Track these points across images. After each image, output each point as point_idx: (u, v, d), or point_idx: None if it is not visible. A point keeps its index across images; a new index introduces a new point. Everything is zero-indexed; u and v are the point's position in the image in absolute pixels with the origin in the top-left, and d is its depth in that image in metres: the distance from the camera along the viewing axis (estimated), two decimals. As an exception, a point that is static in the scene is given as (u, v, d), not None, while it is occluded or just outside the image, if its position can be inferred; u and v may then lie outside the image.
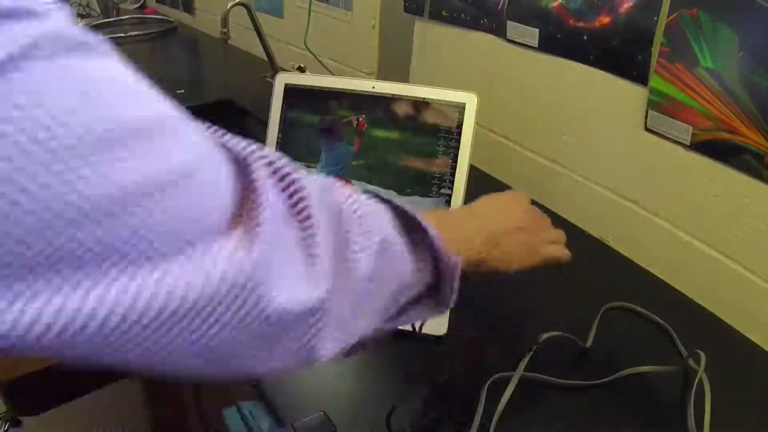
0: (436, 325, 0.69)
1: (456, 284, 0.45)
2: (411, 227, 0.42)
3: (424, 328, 0.68)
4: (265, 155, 0.33)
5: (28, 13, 0.22)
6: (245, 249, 0.28)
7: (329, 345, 0.36)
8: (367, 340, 0.42)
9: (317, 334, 0.34)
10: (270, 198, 0.31)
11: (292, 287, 0.31)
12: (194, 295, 0.27)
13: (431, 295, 0.46)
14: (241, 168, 0.31)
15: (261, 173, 0.31)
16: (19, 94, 0.21)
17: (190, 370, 0.31)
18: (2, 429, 1.31)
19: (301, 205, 0.33)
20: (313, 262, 0.33)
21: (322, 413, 0.57)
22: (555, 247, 0.58)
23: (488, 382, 0.62)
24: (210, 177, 0.29)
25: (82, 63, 0.24)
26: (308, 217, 0.33)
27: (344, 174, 0.83)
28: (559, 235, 0.60)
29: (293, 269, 0.32)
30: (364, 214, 0.37)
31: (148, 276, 0.25)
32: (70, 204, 0.23)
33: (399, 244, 0.40)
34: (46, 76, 0.22)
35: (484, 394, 0.61)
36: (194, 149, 0.28)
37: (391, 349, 0.68)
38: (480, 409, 0.59)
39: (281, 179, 0.33)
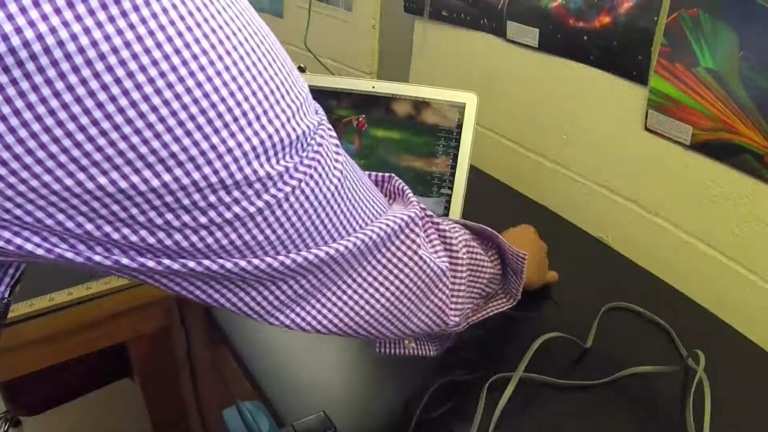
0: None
1: (522, 273, 0.60)
2: (478, 235, 0.57)
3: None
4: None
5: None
6: (402, 210, 0.43)
7: (454, 312, 0.49)
8: (453, 333, 0.55)
9: (449, 297, 0.48)
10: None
11: (430, 254, 0.45)
12: (376, 237, 0.40)
13: (502, 288, 0.63)
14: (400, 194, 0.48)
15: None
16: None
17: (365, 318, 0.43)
18: (2, 429, 1.31)
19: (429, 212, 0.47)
20: (436, 249, 0.47)
21: (322, 413, 0.57)
22: (551, 273, 0.78)
23: (488, 382, 0.62)
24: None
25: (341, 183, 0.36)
26: (431, 216, 0.47)
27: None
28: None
29: (428, 246, 0.46)
30: (452, 229, 0.50)
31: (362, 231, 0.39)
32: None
33: (477, 245, 0.54)
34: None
35: (484, 394, 0.61)
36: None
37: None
38: (480, 409, 0.59)
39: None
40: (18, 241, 0.27)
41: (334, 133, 0.36)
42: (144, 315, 0.81)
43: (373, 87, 0.83)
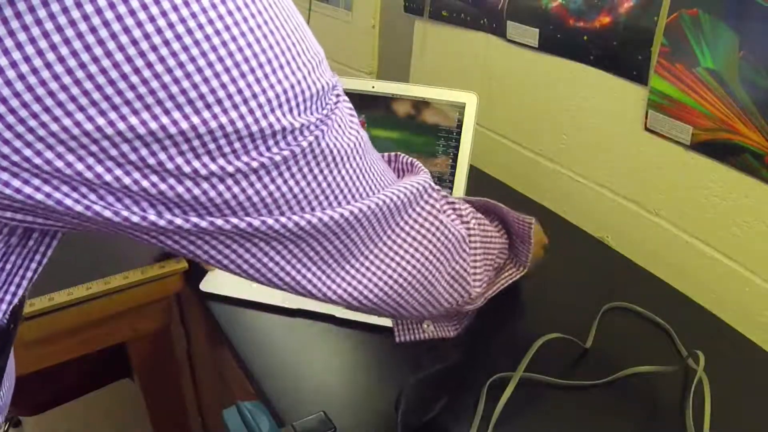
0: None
1: (530, 239, 0.60)
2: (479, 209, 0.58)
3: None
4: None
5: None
6: (416, 177, 0.44)
7: (476, 281, 0.51)
8: (471, 311, 0.56)
9: (470, 264, 0.49)
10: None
11: (451, 219, 0.47)
12: (396, 199, 0.41)
13: (510, 259, 0.64)
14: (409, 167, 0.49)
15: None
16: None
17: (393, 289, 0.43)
18: (2, 429, 1.31)
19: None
20: (450, 217, 0.48)
21: (322, 413, 0.57)
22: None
23: (488, 382, 0.62)
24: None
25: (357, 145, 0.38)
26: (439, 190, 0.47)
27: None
28: None
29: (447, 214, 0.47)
30: (458, 201, 0.51)
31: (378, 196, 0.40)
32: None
33: (482, 217, 0.54)
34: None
35: (484, 394, 0.61)
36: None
37: (391, 349, 0.68)
38: (480, 409, 0.59)
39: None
40: (37, 191, 0.27)
41: (347, 98, 0.38)
42: (144, 315, 0.81)
43: (373, 87, 0.83)
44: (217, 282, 0.75)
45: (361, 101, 0.83)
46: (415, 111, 0.83)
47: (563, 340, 0.69)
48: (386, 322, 0.70)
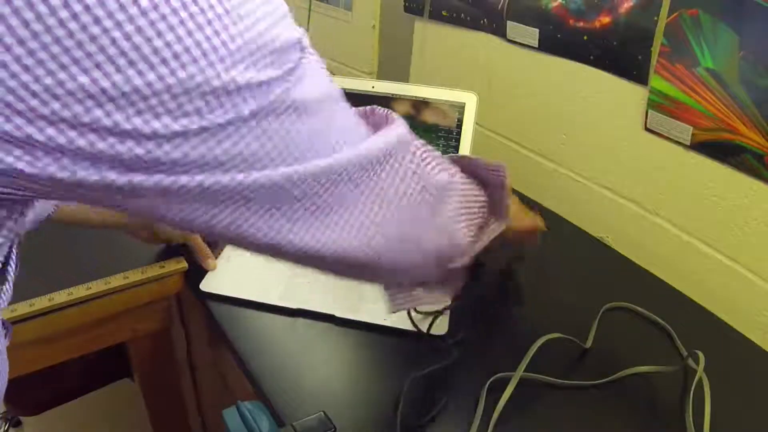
0: (437, 324, 0.69)
1: (503, 187, 0.58)
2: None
3: (424, 327, 0.68)
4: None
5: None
6: (394, 128, 0.42)
7: (462, 230, 0.50)
8: (461, 274, 0.55)
9: (454, 210, 0.49)
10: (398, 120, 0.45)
11: (431, 168, 0.46)
12: (371, 155, 0.39)
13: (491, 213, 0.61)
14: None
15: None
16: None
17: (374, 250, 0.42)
18: (2, 429, 1.31)
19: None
20: (432, 165, 0.46)
21: (322, 413, 0.57)
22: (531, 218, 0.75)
23: (488, 382, 0.62)
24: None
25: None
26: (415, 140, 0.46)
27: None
28: None
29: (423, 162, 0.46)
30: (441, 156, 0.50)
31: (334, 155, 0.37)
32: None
33: (458, 172, 0.53)
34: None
35: (484, 394, 0.61)
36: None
37: (391, 349, 0.69)
38: (480, 409, 0.59)
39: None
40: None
41: (315, 52, 0.36)
42: (144, 315, 0.81)
43: (373, 87, 0.83)
44: (217, 282, 0.75)
45: (361, 101, 0.83)
46: (415, 111, 0.83)
47: (563, 340, 0.69)
48: (386, 322, 0.70)
